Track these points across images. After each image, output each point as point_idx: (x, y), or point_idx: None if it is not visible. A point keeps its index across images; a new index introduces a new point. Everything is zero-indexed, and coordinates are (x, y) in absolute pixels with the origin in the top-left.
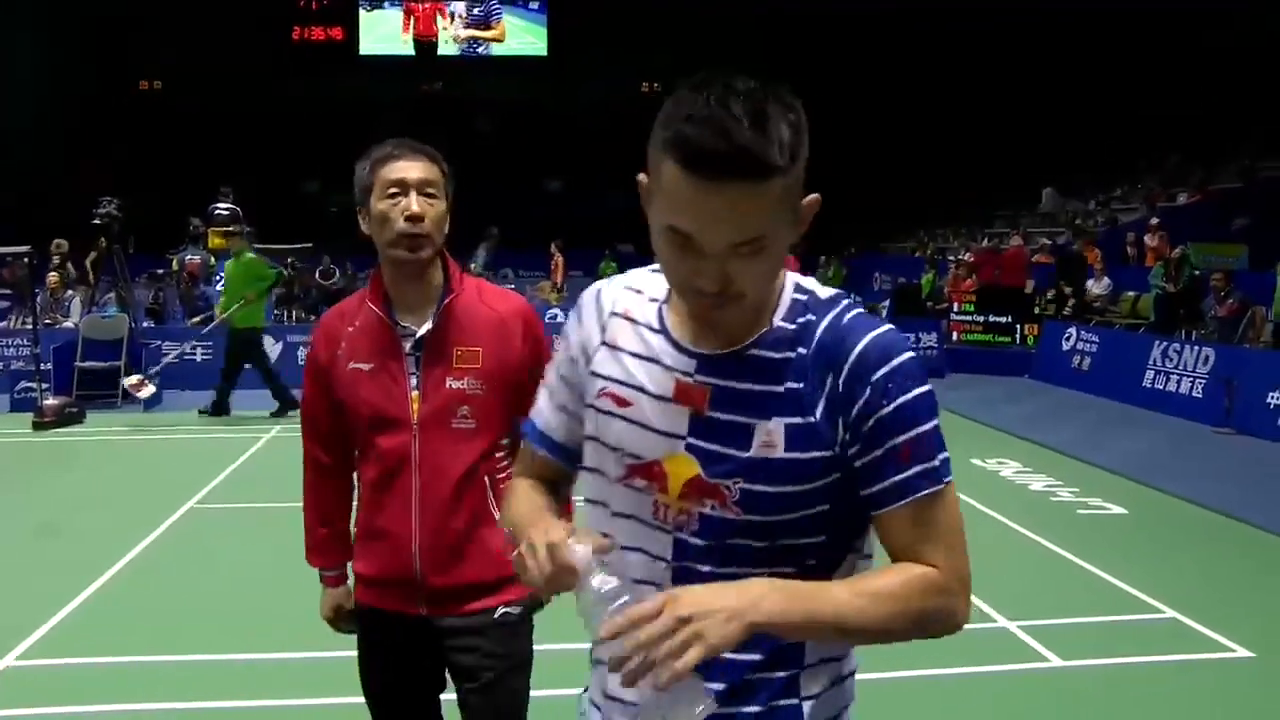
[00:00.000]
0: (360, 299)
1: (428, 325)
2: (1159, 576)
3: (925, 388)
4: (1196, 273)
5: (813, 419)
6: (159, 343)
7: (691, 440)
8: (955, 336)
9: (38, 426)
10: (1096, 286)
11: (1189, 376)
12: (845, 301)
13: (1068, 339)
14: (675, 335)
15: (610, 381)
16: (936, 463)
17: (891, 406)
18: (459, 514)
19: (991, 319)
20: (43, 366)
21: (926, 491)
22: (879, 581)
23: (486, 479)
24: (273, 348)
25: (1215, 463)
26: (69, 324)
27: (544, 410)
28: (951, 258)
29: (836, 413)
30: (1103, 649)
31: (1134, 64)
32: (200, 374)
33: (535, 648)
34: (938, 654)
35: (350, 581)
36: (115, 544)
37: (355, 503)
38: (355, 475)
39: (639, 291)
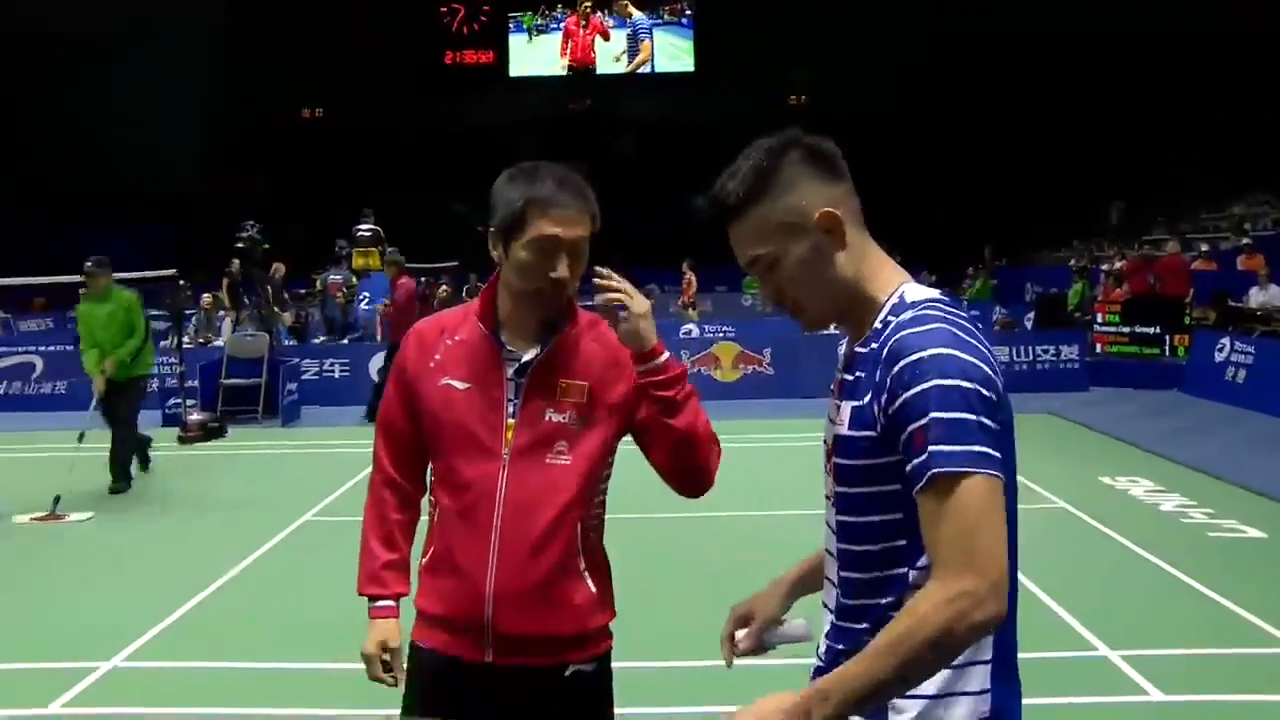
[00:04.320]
0: (465, 314)
1: (535, 351)
2: None
3: (947, 380)
4: None
5: (862, 402)
6: (297, 360)
7: (835, 426)
8: (1099, 349)
9: (183, 440)
10: (1260, 295)
11: None
12: (929, 305)
13: (1220, 350)
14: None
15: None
16: (947, 449)
17: (908, 393)
18: (542, 559)
19: (1138, 330)
20: (191, 384)
21: (932, 472)
22: (884, 637)
23: (578, 527)
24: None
25: None
26: (219, 343)
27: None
28: (1104, 267)
29: (876, 399)
30: (1211, 684)
31: None
32: (339, 390)
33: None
34: (1023, 681)
35: (399, 618)
36: (230, 554)
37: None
38: (428, 501)
39: None
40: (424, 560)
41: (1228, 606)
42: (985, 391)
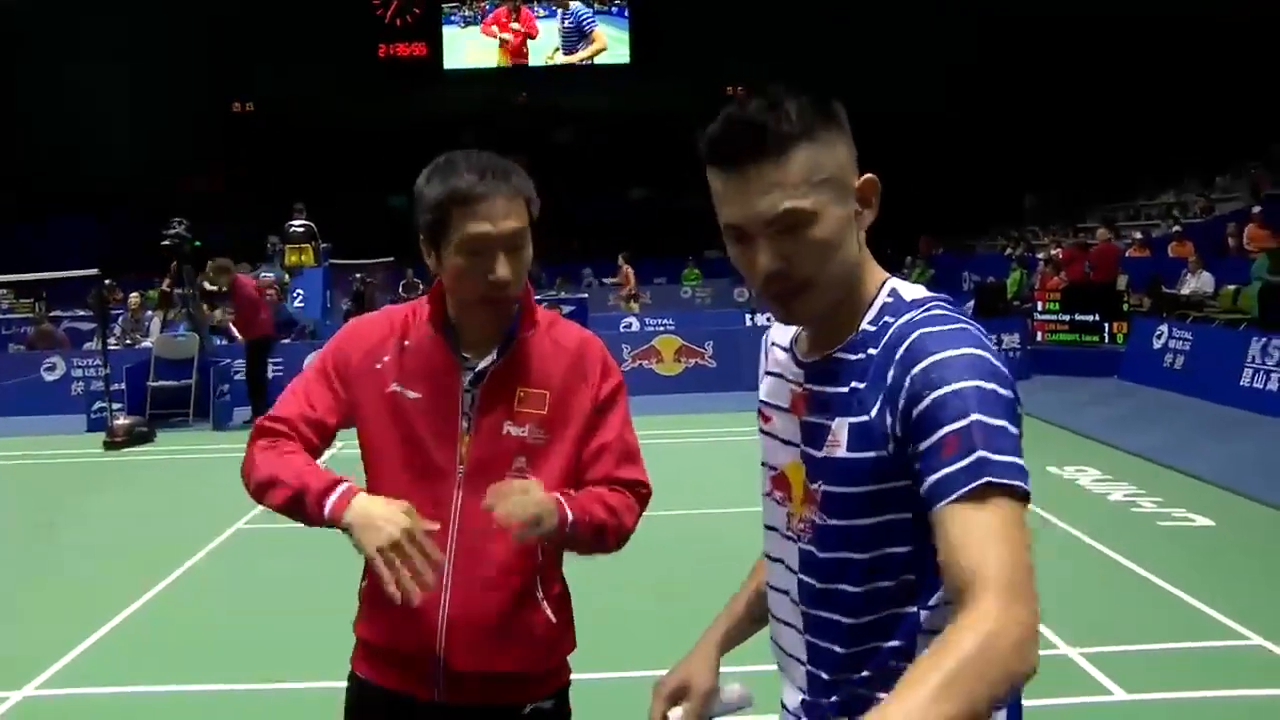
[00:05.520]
0: (415, 313)
1: (491, 358)
2: (1246, 598)
3: (978, 382)
4: None
5: (868, 418)
6: (228, 361)
7: (801, 447)
8: (1040, 337)
9: (109, 446)
10: (1192, 282)
11: None
12: (937, 305)
13: (1158, 337)
14: (796, 350)
15: (761, 403)
16: (997, 457)
17: (939, 393)
18: (500, 589)
19: (1077, 318)
20: (117, 386)
21: (986, 480)
22: (939, 668)
23: (539, 553)
24: None
25: None
26: (147, 344)
27: None
28: (1041, 255)
29: (886, 410)
30: (1175, 680)
31: (1235, 64)
32: (272, 390)
33: None
34: None
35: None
36: (155, 567)
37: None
38: None
39: None
40: (363, 585)
41: (1184, 599)
42: (1017, 405)
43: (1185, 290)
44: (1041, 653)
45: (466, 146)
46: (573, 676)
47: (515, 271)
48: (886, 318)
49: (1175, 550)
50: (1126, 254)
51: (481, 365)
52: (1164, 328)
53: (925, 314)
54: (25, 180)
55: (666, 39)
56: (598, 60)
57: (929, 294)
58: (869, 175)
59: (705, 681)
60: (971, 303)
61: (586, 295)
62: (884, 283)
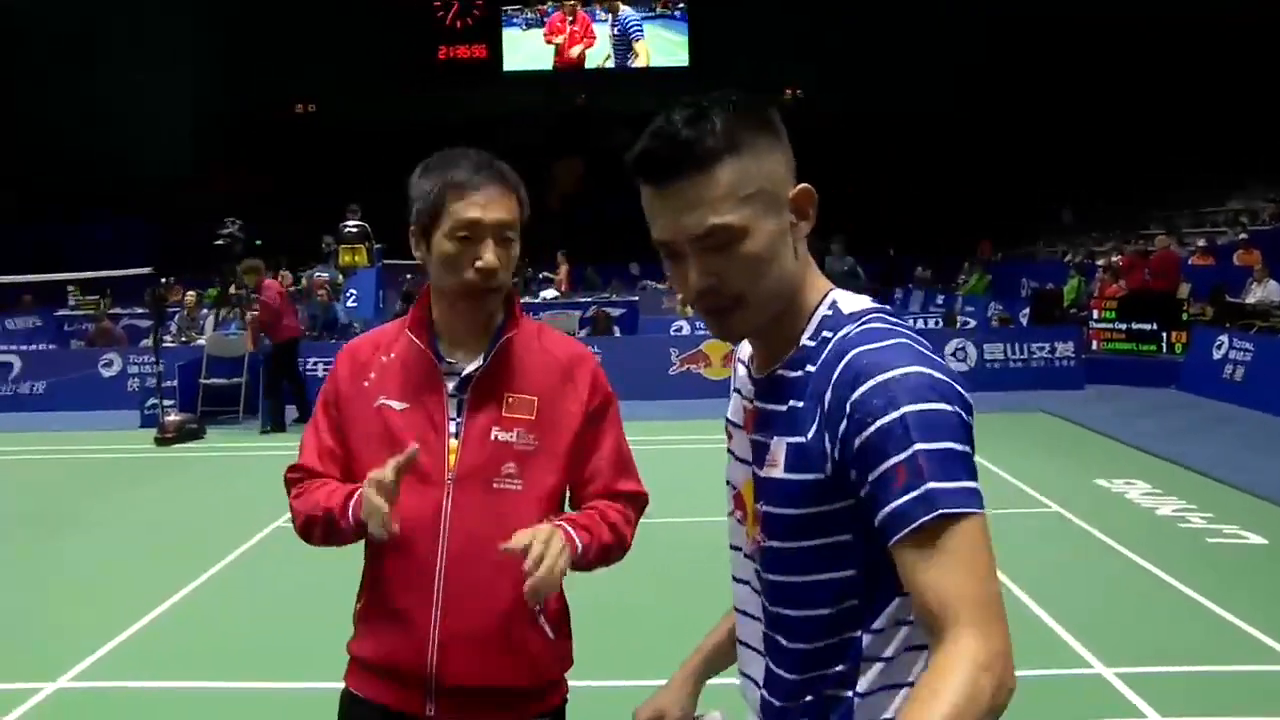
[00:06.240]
0: (400, 327)
1: (477, 363)
2: None
3: (927, 405)
4: None
5: (804, 439)
6: None
7: (752, 465)
8: (1095, 345)
9: (159, 442)
10: (1258, 291)
11: None
12: (875, 317)
13: (1218, 347)
14: (751, 366)
15: (726, 420)
16: (946, 485)
17: (881, 421)
18: (493, 602)
19: (1135, 326)
20: (170, 383)
21: (939, 513)
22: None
23: None
24: None
25: None
26: (201, 342)
27: None
28: (1100, 262)
29: (825, 432)
30: (1214, 705)
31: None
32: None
33: None
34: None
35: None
36: (193, 561)
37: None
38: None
39: None
40: (358, 607)
41: (1229, 620)
42: (965, 416)
43: (1250, 299)
44: (1073, 671)
45: (524, 148)
46: (576, 683)
47: (502, 263)
48: (825, 332)
49: (1223, 568)
50: (1189, 261)
51: (468, 369)
52: (1224, 338)
53: (861, 329)
54: (83, 179)
55: (724, 42)
56: (649, 63)
57: (869, 305)
58: (804, 185)
59: (679, 709)
60: (1027, 309)
61: (638, 299)
62: (825, 294)
